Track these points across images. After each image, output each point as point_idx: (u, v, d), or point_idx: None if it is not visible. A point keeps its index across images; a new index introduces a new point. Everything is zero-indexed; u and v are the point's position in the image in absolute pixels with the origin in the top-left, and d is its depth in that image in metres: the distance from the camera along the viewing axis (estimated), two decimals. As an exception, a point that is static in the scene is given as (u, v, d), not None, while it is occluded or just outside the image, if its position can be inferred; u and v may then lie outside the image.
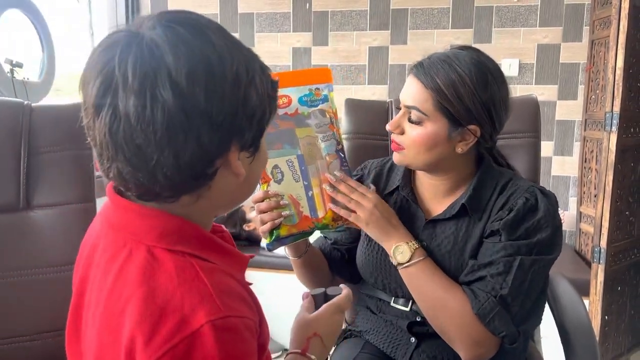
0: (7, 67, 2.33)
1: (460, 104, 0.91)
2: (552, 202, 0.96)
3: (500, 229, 0.93)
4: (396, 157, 1.00)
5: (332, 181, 0.97)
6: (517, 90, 2.85)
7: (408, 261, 0.96)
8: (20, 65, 2.37)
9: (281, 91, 0.94)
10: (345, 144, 1.34)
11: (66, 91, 3.10)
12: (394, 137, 0.98)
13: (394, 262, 0.97)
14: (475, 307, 0.90)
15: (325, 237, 1.18)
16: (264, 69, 0.60)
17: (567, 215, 2.82)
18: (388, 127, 0.98)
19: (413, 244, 0.97)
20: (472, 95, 0.91)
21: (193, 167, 0.54)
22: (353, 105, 1.42)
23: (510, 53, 2.87)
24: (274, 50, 3.16)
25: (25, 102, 1.18)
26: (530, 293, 0.91)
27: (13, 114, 1.15)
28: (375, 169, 1.14)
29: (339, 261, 1.16)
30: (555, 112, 2.85)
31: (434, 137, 0.94)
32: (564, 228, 2.79)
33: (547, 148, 2.86)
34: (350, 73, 3.07)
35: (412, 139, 0.95)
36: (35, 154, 1.15)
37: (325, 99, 0.98)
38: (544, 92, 2.84)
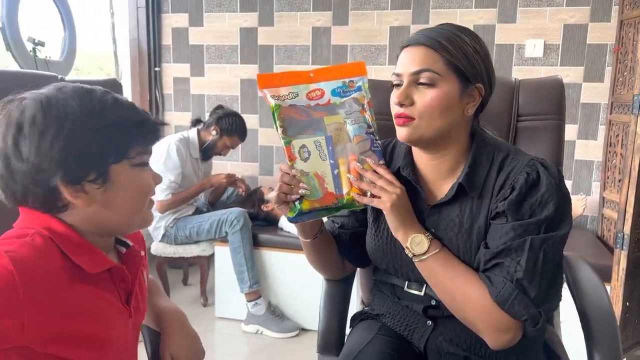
0: (29, 46, 2.35)
1: (466, 61, 0.94)
2: (553, 174, 0.93)
3: (505, 210, 0.92)
4: (404, 132, 0.96)
5: (359, 169, 0.96)
6: (541, 72, 2.79)
7: (425, 252, 0.95)
8: (42, 44, 2.39)
9: (315, 85, 0.98)
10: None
11: (86, 70, 3.13)
12: (402, 110, 0.95)
13: (409, 254, 0.96)
14: (493, 294, 0.89)
15: (332, 221, 1.18)
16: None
17: (590, 201, 2.77)
18: (396, 99, 0.95)
19: (429, 236, 0.96)
20: (474, 52, 0.95)
21: (37, 199, 0.71)
22: (373, 87, 1.40)
23: (535, 33, 2.80)
24: (293, 29, 3.13)
25: (59, 76, 1.18)
26: (545, 272, 0.90)
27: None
28: None
29: (346, 245, 1.16)
30: (580, 94, 2.79)
31: (447, 98, 0.93)
32: (585, 213, 2.75)
33: (570, 131, 2.80)
34: (370, 53, 3.03)
35: (425, 105, 0.93)
36: None
37: (359, 89, 0.99)
38: (569, 74, 2.77)
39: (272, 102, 0.97)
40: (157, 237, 2.68)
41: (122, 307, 0.79)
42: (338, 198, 0.97)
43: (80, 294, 0.72)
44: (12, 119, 0.69)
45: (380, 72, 3.00)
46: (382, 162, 0.98)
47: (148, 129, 0.76)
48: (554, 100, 1.33)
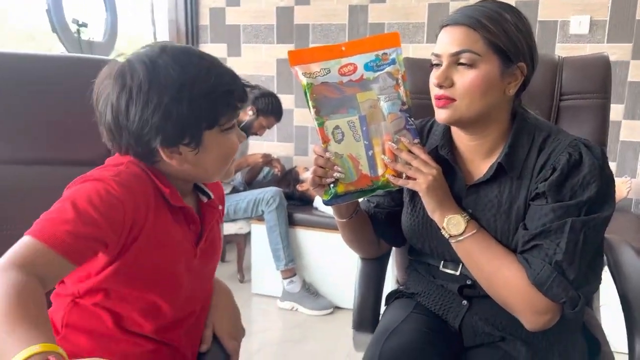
0: (73, 27, 2.41)
1: (508, 40, 0.91)
2: (597, 155, 0.90)
3: (545, 191, 0.90)
4: (444, 114, 0.95)
5: (393, 149, 0.95)
6: (586, 49, 2.69)
7: (462, 234, 0.94)
8: (85, 25, 2.45)
9: (347, 60, 0.96)
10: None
11: (127, 53, 3.18)
12: (441, 92, 0.93)
13: (446, 235, 0.96)
14: (531, 277, 0.88)
15: (368, 201, 1.18)
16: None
17: (635, 183, 2.68)
18: (435, 80, 0.93)
19: (466, 216, 0.95)
20: (516, 30, 0.92)
21: (137, 154, 0.82)
22: (411, 65, 1.38)
23: (581, 9, 2.69)
24: (329, 7, 3.11)
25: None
26: (585, 255, 0.88)
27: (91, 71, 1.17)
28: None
29: (382, 224, 1.16)
30: (627, 72, 2.67)
31: (488, 79, 0.91)
32: (630, 196, 2.66)
33: (616, 111, 2.70)
34: (408, 31, 2.98)
35: (466, 86, 0.91)
36: None
37: (393, 62, 0.96)
38: (616, 52, 2.66)
39: (304, 80, 0.95)
40: (196, 214, 2.75)
41: (189, 246, 0.88)
42: (373, 180, 0.96)
43: (163, 219, 0.82)
44: (126, 82, 0.77)
45: (418, 50, 2.95)
46: (416, 141, 0.97)
47: (237, 96, 0.82)
48: (599, 78, 1.29)
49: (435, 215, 0.97)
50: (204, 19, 3.38)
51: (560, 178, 0.90)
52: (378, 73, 0.95)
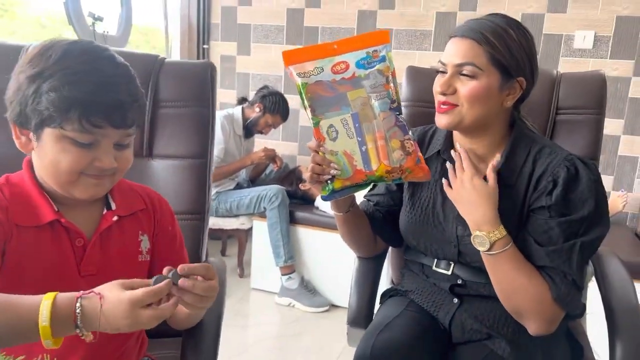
0: (89, 21, 2.47)
1: (511, 56, 0.97)
2: (593, 171, 0.98)
3: (552, 204, 0.96)
4: (445, 119, 1.01)
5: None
6: (589, 64, 2.73)
7: (488, 250, 0.98)
8: (101, 19, 2.50)
9: (339, 58, 1.00)
10: (405, 111, 1.36)
11: (134, 44, 3.22)
12: (444, 98, 1.01)
13: (475, 245, 0.99)
14: (554, 293, 0.95)
15: (367, 200, 1.24)
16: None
17: (632, 197, 2.73)
18: (439, 87, 1.00)
19: (494, 234, 0.97)
20: (519, 47, 0.98)
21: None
22: (414, 73, 1.44)
23: (586, 24, 2.73)
24: (339, 12, 3.16)
25: (159, 56, 1.26)
26: (584, 268, 0.98)
27: (146, 67, 1.22)
28: (418, 135, 1.17)
29: (380, 222, 1.21)
30: (629, 89, 2.72)
31: (487, 90, 0.98)
32: (626, 210, 2.71)
33: (616, 126, 2.74)
34: (415, 38, 3.03)
35: (467, 94, 0.98)
36: (159, 107, 1.23)
37: (383, 59, 1.00)
38: (619, 68, 2.71)
39: (299, 80, 0.99)
40: (199, 208, 2.79)
41: (69, 265, 0.82)
42: (367, 175, 0.99)
43: (28, 240, 0.79)
44: (29, 52, 0.78)
45: (424, 57, 3.00)
46: (407, 137, 1.00)
47: (91, 112, 0.74)
48: (595, 94, 1.33)
49: (484, 227, 0.99)
50: (216, 17, 3.43)
51: (562, 192, 0.96)
52: (369, 70, 1.00)
